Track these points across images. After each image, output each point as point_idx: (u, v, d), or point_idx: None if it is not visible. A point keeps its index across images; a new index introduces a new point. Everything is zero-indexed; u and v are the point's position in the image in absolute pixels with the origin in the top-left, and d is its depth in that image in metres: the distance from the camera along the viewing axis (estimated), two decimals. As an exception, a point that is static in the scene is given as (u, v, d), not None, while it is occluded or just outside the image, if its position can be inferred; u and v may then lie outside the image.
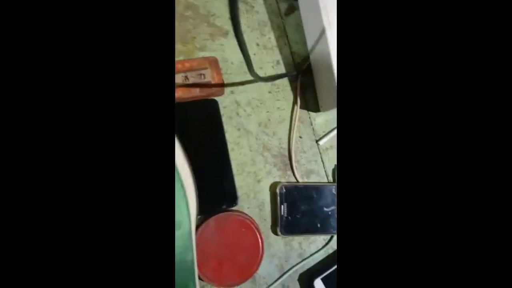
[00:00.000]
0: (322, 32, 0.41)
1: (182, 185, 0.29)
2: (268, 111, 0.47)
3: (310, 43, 0.47)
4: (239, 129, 0.46)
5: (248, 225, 0.42)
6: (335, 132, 0.48)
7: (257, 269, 0.42)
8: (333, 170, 0.48)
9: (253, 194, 0.45)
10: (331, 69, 0.41)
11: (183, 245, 0.27)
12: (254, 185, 0.45)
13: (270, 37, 0.49)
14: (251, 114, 0.47)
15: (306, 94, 0.48)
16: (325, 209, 0.45)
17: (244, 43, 0.24)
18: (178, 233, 0.26)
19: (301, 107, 0.48)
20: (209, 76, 0.43)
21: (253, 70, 0.31)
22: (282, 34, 0.49)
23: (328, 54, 0.41)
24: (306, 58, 0.48)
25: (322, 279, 0.42)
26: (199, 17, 0.47)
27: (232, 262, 0.42)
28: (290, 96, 0.48)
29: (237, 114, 0.46)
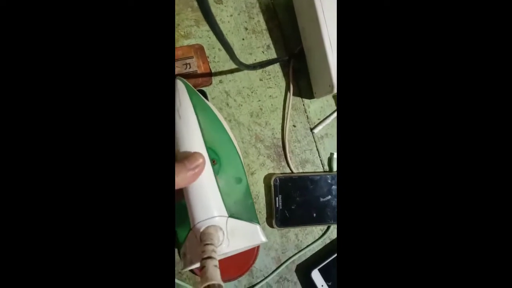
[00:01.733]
0: (314, 12, 0.38)
1: (237, 149, 0.36)
2: (259, 100, 0.45)
3: (301, 24, 0.44)
4: (230, 121, 0.44)
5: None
6: (330, 119, 0.46)
7: (253, 262, 0.41)
8: (329, 159, 0.46)
9: (247, 187, 0.44)
10: (324, 52, 0.38)
11: (244, 194, 0.35)
12: (248, 177, 0.44)
13: (259, 20, 0.46)
14: (242, 104, 0.45)
15: (299, 80, 0.46)
16: (321, 199, 0.44)
17: (221, 32, 0.21)
18: (240, 186, 0.35)
19: (294, 94, 0.46)
20: (195, 66, 0.41)
21: (236, 59, 0.29)
22: (271, 15, 0.46)
23: (320, 36, 0.38)
24: (298, 41, 0.45)
25: (320, 270, 0.42)
26: (182, 2, 0.44)
27: (228, 256, 0.41)
28: (282, 83, 0.46)
29: (227, 104, 0.44)
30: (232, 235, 0.30)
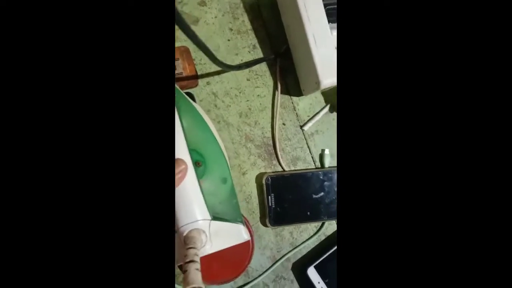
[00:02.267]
0: (297, 9, 0.38)
1: (222, 150, 0.36)
2: (248, 100, 0.45)
3: (286, 22, 0.44)
4: (219, 122, 0.44)
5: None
6: (320, 116, 0.46)
7: (248, 263, 0.41)
8: (320, 155, 0.46)
9: (239, 188, 0.44)
10: (309, 49, 0.38)
11: (229, 194, 0.35)
12: (240, 178, 0.44)
13: (244, 20, 0.46)
14: (230, 104, 0.44)
15: (287, 78, 0.46)
16: (314, 196, 0.43)
17: (195, 35, 0.21)
18: (225, 186, 0.35)
19: (283, 93, 0.46)
20: (180, 68, 0.41)
21: (217, 60, 0.29)
22: (256, 15, 0.46)
23: (304, 33, 0.38)
24: (284, 39, 0.45)
25: (316, 267, 0.42)
26: (166, 4, 0.44)
27: (222, 259, 0.41)
28: (270, 82, 0.46)
29: (215, 106, 0.44)
30: (215, 237, 0.31)
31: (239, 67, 0.39)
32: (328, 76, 0.38)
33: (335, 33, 0.39)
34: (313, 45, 0.38)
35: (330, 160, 0.46)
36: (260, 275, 0.42)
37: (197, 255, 0.25)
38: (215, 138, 0.36)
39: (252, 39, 0.46)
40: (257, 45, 0.46)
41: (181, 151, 0.31)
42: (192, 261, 0.24)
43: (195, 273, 0.22)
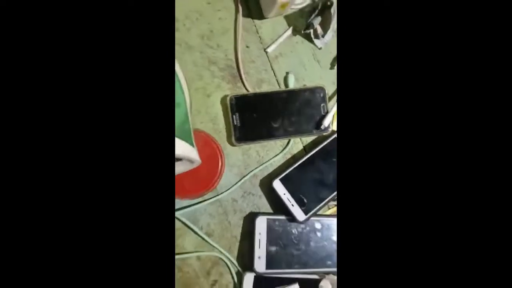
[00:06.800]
0: None
1: (179, 80, 0.37)
2: (209, 23, 0.45)
3: None
4: (180, 45, 0.45)
5: (203, 138, 0.43)
6: (283, 38, 0.46)
7: (218, 179, 0.43)
8: (285, 78, 0.47)
9: (205, 109, 0.45)
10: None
11: (183, 119, 0.37)
12: (204, 100, 0.45)
13: None
14: (191, 27, 0.45)
15: (248, 1, 0.46)
16: (279, 115, 0.45)
17: None
18: (179, 110, 0.36)
19: (244, 15, 0.46)
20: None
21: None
22: None
23: None
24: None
25: (281, 180, 0.44)
26: None
27: (193, 175, 0.43)
28: (231, 4, 0.46)
29: (177, 29, 0.44)
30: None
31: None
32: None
33: None
34: None
35: (294, 82, 0.47)
36: (227, 189, 0.45)
37: None
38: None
39: (210, -40, 0.45)
40: (216, -33, 0.45)
41: None
42: None
43: None
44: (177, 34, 0.44)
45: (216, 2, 0.45)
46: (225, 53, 0.46)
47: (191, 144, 0.36)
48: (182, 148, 0.34)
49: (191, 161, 0.37)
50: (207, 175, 0.43)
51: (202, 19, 0.45)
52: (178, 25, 0.44)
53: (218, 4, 0.45)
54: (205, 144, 0.43)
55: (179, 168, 0.38)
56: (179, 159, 0.37)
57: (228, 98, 0.44)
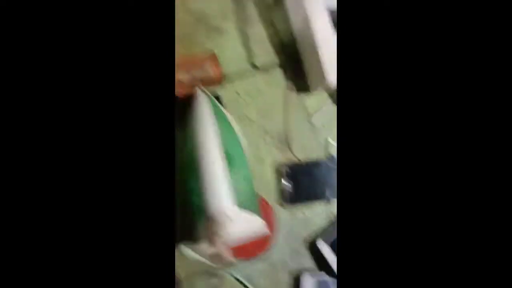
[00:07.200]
0: (306, 18, 0.45)
1: (243, 149, 0.43)
2: (265, 97, 0.52)
3: (296, 26, 0.51)
4: (239, 117, 0.51)
5: (260, 203, 0.47)
6: (325, 108, 0.53)
7: (272, 241, 0.48)
8: (327, 146, 0.53)
9: (260, 174, 0.50)
10: (316, 51, 0.45)
11: (252, 192, 0.42)
12: (260, 166, 0.51)
13: (261, 30, 0.53)
14: (250, 103, 0.51)
15: (297, 78, 0.53)
16: (322, 180, 0.51)
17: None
18: (247, 184, 0.41)
19: (293, 90, 0.53)
20: (210, 70, 0.47)
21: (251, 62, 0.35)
22: (271, 25, 0.53)
23: (312, 37, 0.45)
24: (295, 43, 0.52)
25: (325, 240, 0.49)
26: (195, 18, 0.51)
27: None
28: (282, 81, 0.53)
29: (237, 102, 0.51)
30: (240, 224, 0.37)
31: (260, 68, 0.46)
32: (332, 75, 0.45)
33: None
34: (321, 43, 0.45)
35: (334, 148, 0.53)
36: (277, 249, 0.49)
37: (225, 236, 0.31)
38: (239, 138, 0.42)
39: (267, 46, 0.53)
40: (272, 50, 0.53)
41: (217, 152, 0.37)
42: (221, 239, 0.30)
43: (225, 249, 0.28)
44: (238, 109, 0.51)
45: (270, 78, 0.52)
46: (277, 124, 0.52)
47: (260, 216, 0.41)
48: (256, 225, 0.38)
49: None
50: (263, 238, 0.48)
51: (259, 96, 0.52)
52: (239, 99, 0.51)
53: (271, 81, 0.52)
54: (262, 208, 0.48)
55: (246, 231, 0.41)
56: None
57: (280, 166, 0.49)
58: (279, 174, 0.50)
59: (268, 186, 0.51)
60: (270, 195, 0.50)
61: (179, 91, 0.46)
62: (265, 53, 0.52)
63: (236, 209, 0.36)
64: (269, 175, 0.51)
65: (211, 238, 0.33)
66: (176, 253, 0.35)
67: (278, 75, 0.52)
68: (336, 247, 0.49)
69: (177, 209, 0.37)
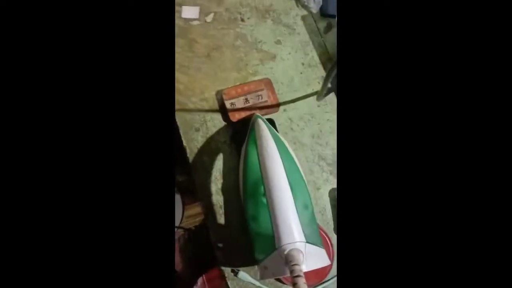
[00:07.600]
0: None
1: (304, 179, 0.42)
2: (319, 123, 0.51)
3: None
4: (294, 143, 0.50)
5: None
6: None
7: (330, 269, 0.45)
8: (385, 172, 0.51)
9: (315, 201, 0.49)
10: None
11: (311, 219, 0.40)
12: (315, 192, 0.49)
13: (313, 55, 0.53)
14: (304, 128, 0.51)
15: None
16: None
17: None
18: (308, 212, 0.40)
19: (348, 117, 0.52)
20: (265, 97, 0.48)
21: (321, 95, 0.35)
22: (323, 51, 0.53)
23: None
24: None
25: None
26: (248, 45, 0.52)
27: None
28: (336, 107, 0.52)
29: (292, 129, 0.51)
30: (308, 257, 0.35)
31: (315, 94, 0.46)
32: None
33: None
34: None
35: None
36: (333, 277, 0.46)
37: (301, 271, 0.29)
38: (298, 167, 0.41)
39: (321, 71, 0.53)
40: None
41: (284, 180, 0.36)
42: (299, 275, 0.29)
43: (304, 286, 0.27)
44: (292, 134, 0.50)
45: (324, 105, 0.52)
46: (332, 150, 0.51)
47: (321, 245, 0.39)
48: (321, 258, 0.37)
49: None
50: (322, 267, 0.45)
51: (313, 120, 0.51)
52: (293, 125, 0.51)
53: (326, 107, 0.52)
54: (322, 239, 0.46)
55: (314, 264, 0.38)
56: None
57: (335, 191, 0.48)
58: (335, 201, 0.48)
59: (324, 213, 0.49)
60: (326, 223, 0.48)
61: (235, 116, 0.47)
62: (318, 77, 0.53)
63: (307, 245, 0.35)
64: (325, 203, 0.49)
65: (283, 271, 0.33)
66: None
67: (333, 101, 0.52)
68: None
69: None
